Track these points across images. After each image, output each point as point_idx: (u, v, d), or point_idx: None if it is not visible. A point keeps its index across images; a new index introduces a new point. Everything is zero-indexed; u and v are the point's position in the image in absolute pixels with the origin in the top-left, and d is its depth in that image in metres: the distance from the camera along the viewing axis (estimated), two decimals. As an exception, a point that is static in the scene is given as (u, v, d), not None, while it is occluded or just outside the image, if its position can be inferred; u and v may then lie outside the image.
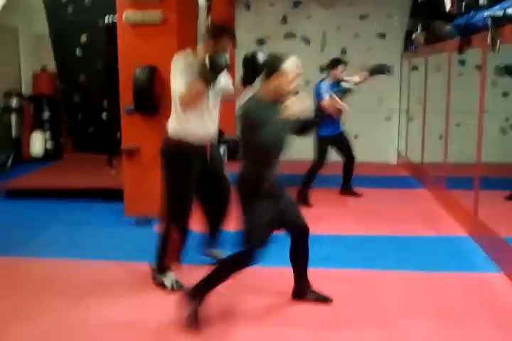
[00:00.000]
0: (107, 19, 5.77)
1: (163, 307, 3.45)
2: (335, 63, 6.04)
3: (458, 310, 3.43)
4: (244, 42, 8.75)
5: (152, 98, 5.20)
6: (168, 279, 3.72)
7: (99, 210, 5.78)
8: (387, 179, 7.48)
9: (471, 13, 4.59)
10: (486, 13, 3.97)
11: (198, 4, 6.46)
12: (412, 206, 5.99)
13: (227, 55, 3.61)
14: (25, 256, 4.41)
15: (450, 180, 5.87)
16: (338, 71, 5.96)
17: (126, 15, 5.20)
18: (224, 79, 3.81)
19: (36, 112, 8.89)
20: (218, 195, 3.95)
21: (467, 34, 4.74)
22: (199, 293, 3.18)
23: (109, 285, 3.82)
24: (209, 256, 4.08)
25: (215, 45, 3.62)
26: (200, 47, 3.77)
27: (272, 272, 3.86)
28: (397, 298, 3.59)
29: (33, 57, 9.11)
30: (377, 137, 8.65)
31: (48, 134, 8.85)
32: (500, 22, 3.85)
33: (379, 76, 6.18)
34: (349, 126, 8.60)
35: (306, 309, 3.42)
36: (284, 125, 2.97)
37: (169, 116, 3.78)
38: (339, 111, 5.83)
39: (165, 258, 3.76)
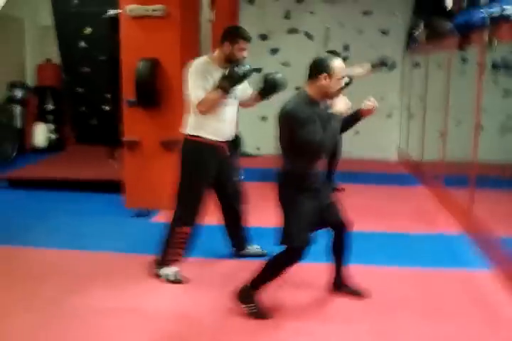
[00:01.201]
0: (111, 12, 5.80)
1: (162, 297, 3.55)
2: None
3: (447, 306, 3.48)
4: (247, 36, 8.81)
5: (153, 91, 5.24)
6: (169, 272, 3.77)
7: (100, 202, 5.85)
8: (386, 176, 7.52)
9: (470, 10, 4.62)
10: (484, 11, 3.99)
11: (201, -2, 6.49)
12: (409, 203, 6.04)
13: (249, 65, 3.64)
14: (26, 245, 4.48)
15: (448, 178, 5.90)
16: None
17: (129, 8, 5.24)
18: (242, 87, 3.86)
19: (40, 103, 8.96)
20: (230, 199, 4.08)
21: (466, 32, 4.77)
22: (250, 293, 3.26)
23: (108, 275, 3.88)
24: (247, 256, 4.19)
25: (231, 48, 3.66)
26: (217, 52, 3.78)
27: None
28: (387, 294, 3.64)
29: (38, 49, 9.17)
30: (378, 134, 8.68)
31: (51, 125, 8.93)
32: (497, 20, 3.88)
33: (382, 70, 6.19)
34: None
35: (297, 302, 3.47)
36: (331, 123, 3.06)
37: (175, 113, 3.85)
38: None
39: (169, 254, 3.79)
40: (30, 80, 9.14)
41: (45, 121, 8.91)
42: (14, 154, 7.96)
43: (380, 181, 7.08)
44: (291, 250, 3.18)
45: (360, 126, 8.22)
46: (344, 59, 6.00)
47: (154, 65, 5.22)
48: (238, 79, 3.60)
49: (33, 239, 4.65)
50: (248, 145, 8.87)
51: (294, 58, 8.15)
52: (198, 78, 3.61)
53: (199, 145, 3.74)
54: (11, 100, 8.43)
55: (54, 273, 3.91)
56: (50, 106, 8.96)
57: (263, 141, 8.89)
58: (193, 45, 5.94)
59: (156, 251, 3.85)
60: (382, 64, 6.13)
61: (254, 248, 4.28)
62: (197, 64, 3.70)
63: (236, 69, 3.57)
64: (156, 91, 5.25)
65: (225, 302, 3.36)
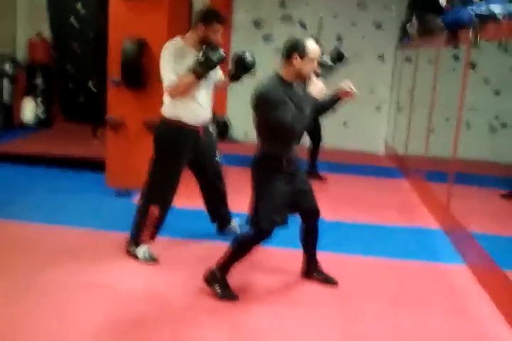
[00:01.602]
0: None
1: (135, 276, 3.59)
2: None
3: (415, 296, 3.56)
4: (241, 23, 8.78)
5: (139, 71, 5.22)
6: (141, 251, 3.80)
7: (83, 179, 5.85)
8: (371, 168, 7.57)
9: (460, 8, 4.63)
10: (471, 10, 4.02)
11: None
12: (390, 195, 6.10)
13: (222, 50, 3.60)
14: (5, 218, 4.50)
15: (430, 173, 5.96)
16: None
17: (119, -12, 5.21)
18: (215, 72, 3.85)
19: (30, 79, 8.89)
20: (211, 178, 4.12)
21: (455, 29, 4.79)
22: (218, 273, 3.29)
23: (83, 251, 3.92)
24: (229, 233, 4.17)
25: (205, 31, 3.64)
26: (190, 33, 3.77)
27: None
28: (358, 282, 3.70)
29: (30, 24, 9.07)
30: (366, 127, 8.72)
31: (39, 102, 8.86)
32: (483, 19, 3.91)
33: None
34: (338, 113, 8.69)
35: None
36: (305, 105, 3.09)
37: (160, 95, 3.82)
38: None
39: (140, 233, 3.82)
40: (21, 55, 9.06)
41: (34, 97, 8.85)
42: (0, 129, 7.91)
43: (364, 173, 7.14)
44: (258, 231, 3.21)
45: (348, 117, 8.49)
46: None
47: (141, 45, 5.20)
48: (212, 64, 3.54)
49: (14, 212, 4.66)
50: (236, 131, 8.85)
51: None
52: (171, 61, 3.59)
53: (173, 128, 3.76)
54: (0, 74, 8.35)
55: (30, 248, 3.94)
56: (39, 83, 8.89)
57: (251, 126, 8.90)
58: (181, 29, 5.91)
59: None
60: (337, 58, 6.07)
61: (234, 221, 4.33)
62: (170, 45, 3.69)
63: (210, 53, 3.51)
64: (142, 71, 5.23)
65: (197, 283, 3.40)
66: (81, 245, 4.04)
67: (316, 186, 6.12)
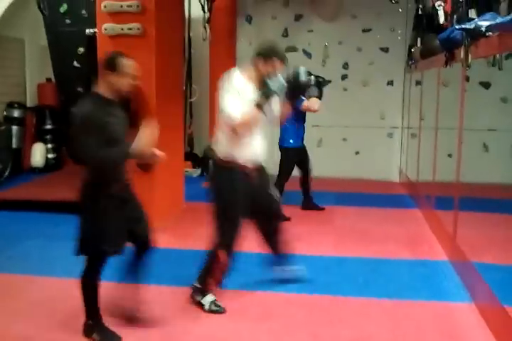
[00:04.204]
0: (89, 31, 5.73)
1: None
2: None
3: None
4: (245, 55, 8.67)
5: (128, 112, 5.09)
6: (208, 301, 3.61)
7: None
8: (383, 197, 7.24)
9: (453, 27, 4.38)
10: (458, 27, 3.76)
11: (186, 17, 6.38)
12: (400, 227, 5.75)
13: (282, 79, 3.47)
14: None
15: (439, 200, 5.61)
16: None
17: (104, 27, 5.15)
18: (275, 104, 3.68)
19: (39, 123, 8.92)
20: (268, 213, 3.88)
21: (450, 48, 4.54)
22: (91, 322, 3.16)
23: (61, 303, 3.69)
24: (281, 275, 4.02)
25: (265, 66, 3.46)
26: (249, 69, 3.56)
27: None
28: (351, 327, 3.39)
29: (38, 69, 9.15)
30: (379, 154, 8.42)
31: (49, 145, 8.86)
32: (472, 35, 3.64)
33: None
34: (350, 142, 8.49)
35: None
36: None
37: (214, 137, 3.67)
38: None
39: (209, 280, 3.64)
40: (31, 100, 9.12)
41: (44, 140, 8.85)
42: (8, 174, 7.88)
43: (374, 203, 6.80)
44: (95, 257, 3.06)
45: (360, 145, 8.21)
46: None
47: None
48: (271, 93, 3.41)
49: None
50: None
51: (292, 76, 7.96)
52: (235, 95, 3.38)
53: (232, 169, 3.53)
54: (8, 120, 8.39)
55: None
56: (48, 126, 8.90)
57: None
58: (173, 64, 5.81)
59: (128, 279, 3.64)
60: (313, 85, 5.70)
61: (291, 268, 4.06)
62: (234, 80, 3.47)
63: (271, 83, 3.38)
64: (131, 112, 5.10)
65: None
66: (60, 296, 3.82)
67: (324, 219, 6.03)
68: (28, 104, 8.95)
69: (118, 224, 3.05)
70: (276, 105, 3.70)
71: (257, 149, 3.59)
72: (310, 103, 5.65)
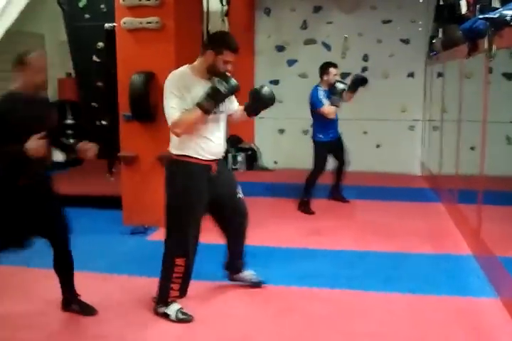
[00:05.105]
0: (107, 25, 5.73)
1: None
2: (325, 67, 5.85)
3: (436, 338, 3.16)
4: (264, 48, 8.63)
5: (148, 105, 5.11)
6: (173, 310, 3.38)
7: (98, 218, 5.71)
8: (404, 191, 7.15)
9: (476, 16, 4.29)
10: (482, 16, 3.68)
11: (204, 10, 6.35)
12: (422, 221, 5.66)
13: (233, 80, 3.21)
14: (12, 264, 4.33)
15: (462, 194, 5.53)
16: (331, 75, 5.77)
17: (123, 21, 5.14)
18: (230, 102, 3.49)
19: (60, 118, 8.96)
20: (232, 216, 3.63)
21: (473, 38, 4.44)
22: None
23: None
24: (239, 281, 3.85)
25: (215, 59, 3.23)
26: (198, 60, 3.34)
27: None
28: (373, 322, 3.35)
29: (59, 64, 9.20)
30: (400, 147, 8.32)
31: (71, 140, 8.89)
32: (497, 26, 3.56)
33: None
34: (371, 135, 8.40)
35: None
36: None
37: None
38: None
39: (170, 289, 3.39)
40: (52, 95, 9.17)
41: (65, 136, 8.89)
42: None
43: (396, 197, 6.72)
44: None
45: (382, 139, 8.12)
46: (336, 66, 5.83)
47: (148, 78, 5.11)
48: (222, 97, 3.15)
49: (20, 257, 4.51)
50: (265, 159, 8.65)
51: (312, 69, 7.85)
52: (174, 94, 3.18)
53: (186, 166, 3.32)
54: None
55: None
56: (69, 121, 8.95)
57: (280, 154, 8.67)
58: (192, 57, 5.78)
59: (139, 272, 3.61)
60: (357, 82, 5.91)
61: (249, 274, 3.86)
62: (174, 76, 3.29)
63: (219, 84, 3.13)
64: (151, 105, 5.11)
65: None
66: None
67: (346, 213, 5.98)
68: (49, 98, 8.99)
69: (15, 217, 3.09)
70: (232, 101, 3.54)
71: (210, 146, 3.33)
72: (330, 110, 5.71)
